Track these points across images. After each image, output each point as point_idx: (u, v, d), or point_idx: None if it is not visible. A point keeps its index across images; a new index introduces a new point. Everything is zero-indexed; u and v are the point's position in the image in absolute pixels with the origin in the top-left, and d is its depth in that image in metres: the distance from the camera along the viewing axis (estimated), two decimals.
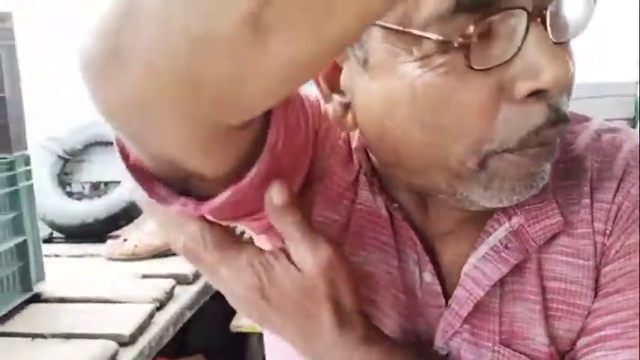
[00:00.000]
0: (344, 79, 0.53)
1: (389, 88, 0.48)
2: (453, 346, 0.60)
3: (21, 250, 1.70)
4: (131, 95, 0.35)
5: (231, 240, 0.51)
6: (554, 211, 0.56)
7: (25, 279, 1.71)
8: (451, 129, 0.47)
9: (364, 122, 0.53)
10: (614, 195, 0.56)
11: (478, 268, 0.57)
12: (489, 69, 0.45)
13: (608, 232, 0.56)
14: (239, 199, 0.46)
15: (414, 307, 0.62)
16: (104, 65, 0.35)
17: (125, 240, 2.10)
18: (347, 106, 0.53)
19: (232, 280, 0.51)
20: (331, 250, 0.50)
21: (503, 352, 0.58)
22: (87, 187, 2.77)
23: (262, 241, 0.65)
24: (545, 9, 0.44)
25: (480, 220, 0.59)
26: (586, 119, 0.63)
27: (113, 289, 1.73)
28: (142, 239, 2.09)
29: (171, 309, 1.67)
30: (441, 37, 0.44)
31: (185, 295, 1.77)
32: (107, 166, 2.72)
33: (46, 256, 1.91)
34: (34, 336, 1.45)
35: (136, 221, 2.49)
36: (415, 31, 0.44)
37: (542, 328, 0.57)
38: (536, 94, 0.46)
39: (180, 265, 1.86)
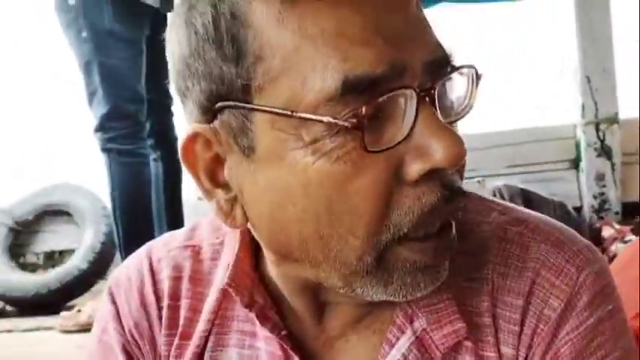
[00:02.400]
0: (228, 171, 0.48)
1: (279, 179, 0.45)
2: None
3: None
4: None
5: None
6: (455, 315, 0.51)
7: None
8: (347, 219, 0.44)
9: (255, 217, 0.48)
10: (523, 314, 0.50)
11: None
12: (383, 151, 0.42)
13: (521, 358, 0.51)
14: None
15: None
16: None
17: (79, 310, 2.07)
18: (233, 201, 0.49)
19: None
20: None
21: None
22: (41, 257, 2.73)
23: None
24: (434, 89, 0.43)
25: (377, 318, 0.53)
26: (489, 207, 0.56)
27: None
28: (98, 308, 2.06)
29: None
30: (332, 119, 0.41)
31: None
32: (60, 235, 2.69)
33: None
34: None
35: (93, 289, 2.45)
36: (303, 115, 0.42)
37: None
38: (429, 174, 0.43)
39: None
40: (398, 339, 0.51)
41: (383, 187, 0.43)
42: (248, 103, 0.44)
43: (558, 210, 2.26)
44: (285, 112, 0.42)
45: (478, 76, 0.47)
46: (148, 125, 2.04)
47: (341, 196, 0.43)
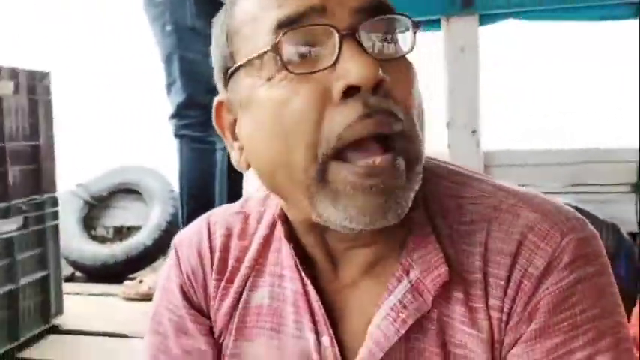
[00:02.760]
0: (238, 127, 0.61)
1: (254, 115, 0.57)
2: None
3: (43, 284, 1.86)
4: None
5: None
6: (440, 261, 0.58)
7: (45, 311, 1.86)
8: (292, 136, 0.54)
9: (250, 160, 0.60)
10: (510, 271, 0.56)
11: (380, 328, 0.59)
12: (310, 73, 0.53)
13: (506, 309, 0.56)
14: None
15: None
16: None
17: (141, 281, 2.24)
18: (241, 150, 0.61)
19: None
20: None
21: None
22: (110, 231, 2.95)
23: None
24: (357, 29, 0.53)
25: (382, 272, 0.61)
26: (494, 186, 0.62)
27: (128, 325, 1.86)
28: (158, 280, 2.22)
29: None
30: (262, 51, 0.54)
31: None
32: (129, 212, 2.89)
33: (68, 293, 2.07)
34: None
35: (154, 264, 2.65)
36: (252, 55, 0.55)
37: None
38: (352, 94, 0.52)
39: None
40: (396, 287, 0.60)
41: (314, 106, 0.53)
42: (233, 65, 0.58)
43: (610, 230, 2.25)
44: (246, 59, 0.56)
45: (415, 24, 0.56)
46: None
47: (286, 115, 0.54)
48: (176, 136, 2.15)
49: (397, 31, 0.56)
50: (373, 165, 0.52)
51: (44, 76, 1.83)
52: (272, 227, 0.68)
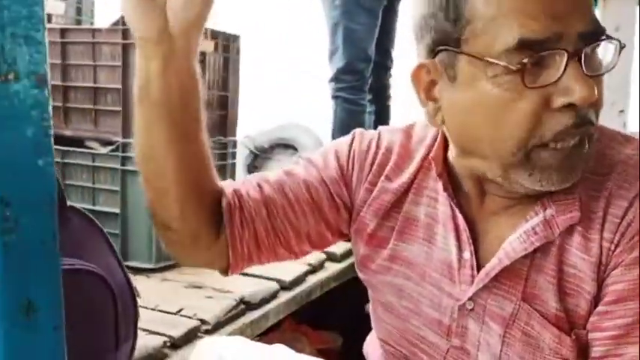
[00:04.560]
0: (438, 90, 0.71)
1: (470, 97, 0.67)
2: (482, 297, 0.75)
3: None
4: None
5: None
6: (575, 207, 0.69)
7: None
8: (509, 127, 0.64)
9: (449, 121, 0.72)
10: (625, 212, 0.67)
11: (511, 244, 0.72)
12: (538, 87, 0.63)
13: (616, 241, 0.68)
14: None
15: (449, 277, 0.77)
16: None
17: None
18: (438, 110, 0.72)
19: None
20: None
21: (522, 306, 0.72)
22: None
23: None
24: (582, 51, 0.63)
25: (523, 207, 0.73)
26: (628, 140, 0.73)
27: None
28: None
29: (321, 275, 2.05)
30: (507, 64, 0.63)
31: (333, 268, 2.13)
32: (285, 165, 3.26)
33: None
34: None
35: None
36: (490, 59, 0.64)
37: (555, 297, 0.71)
38: (568, 106, 0.63)
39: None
40: (532, 218, 0.72)
41: (534, 110, 0.64)
42: (457, 49, 0.67)
43: None
44: (479, 56, 0.65)
45: (622, 46, 0.66)
46: (370, 82, 2.42)
47: (506, 113, 0.65)
48: (333, 97, 2.40)
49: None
50: (567, 152, 0.66)
51: (236, 38, 2.18)
52: (430, 150, 0.81)
